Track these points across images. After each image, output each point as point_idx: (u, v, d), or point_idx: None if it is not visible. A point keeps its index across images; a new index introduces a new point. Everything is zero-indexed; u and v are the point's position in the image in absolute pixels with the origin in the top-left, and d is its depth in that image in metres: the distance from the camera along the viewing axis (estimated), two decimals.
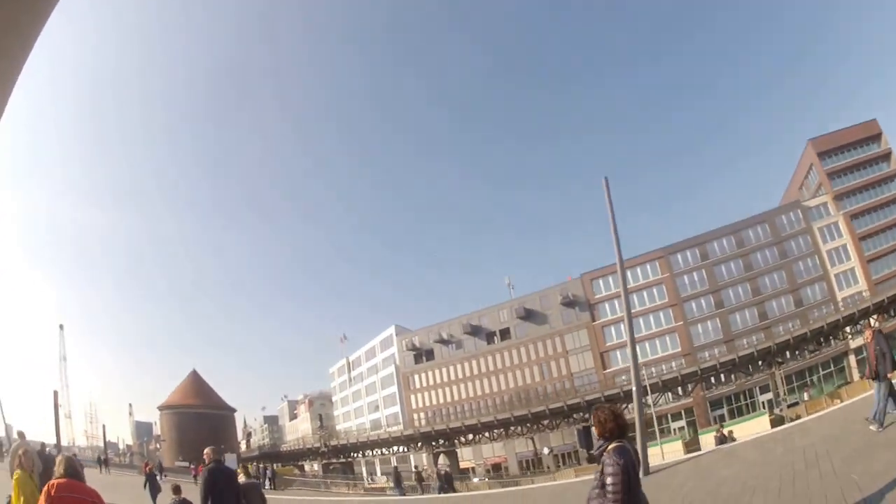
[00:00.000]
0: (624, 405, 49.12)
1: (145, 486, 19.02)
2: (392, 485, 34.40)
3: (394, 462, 76.54)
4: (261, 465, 39.63)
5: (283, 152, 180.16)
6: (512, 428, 54.64)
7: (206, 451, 7.34)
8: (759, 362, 45.78)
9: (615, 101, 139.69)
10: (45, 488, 4.70)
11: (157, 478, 20.38)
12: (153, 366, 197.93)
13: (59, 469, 4.86)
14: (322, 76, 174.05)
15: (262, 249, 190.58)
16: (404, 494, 25.37)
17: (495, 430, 55.71)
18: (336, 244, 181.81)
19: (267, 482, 35.35)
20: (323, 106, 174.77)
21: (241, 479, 8.22)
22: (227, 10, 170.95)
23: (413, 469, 46.35)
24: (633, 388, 13.96)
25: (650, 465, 11.92)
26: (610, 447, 3.71)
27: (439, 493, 24.17)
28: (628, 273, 63.06)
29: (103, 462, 44.76)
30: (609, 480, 3.55)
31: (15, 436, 14.48)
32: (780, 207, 63.24)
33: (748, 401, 54.17)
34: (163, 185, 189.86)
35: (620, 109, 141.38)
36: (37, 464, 8.85)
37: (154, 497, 17.67)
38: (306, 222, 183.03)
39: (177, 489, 10.59)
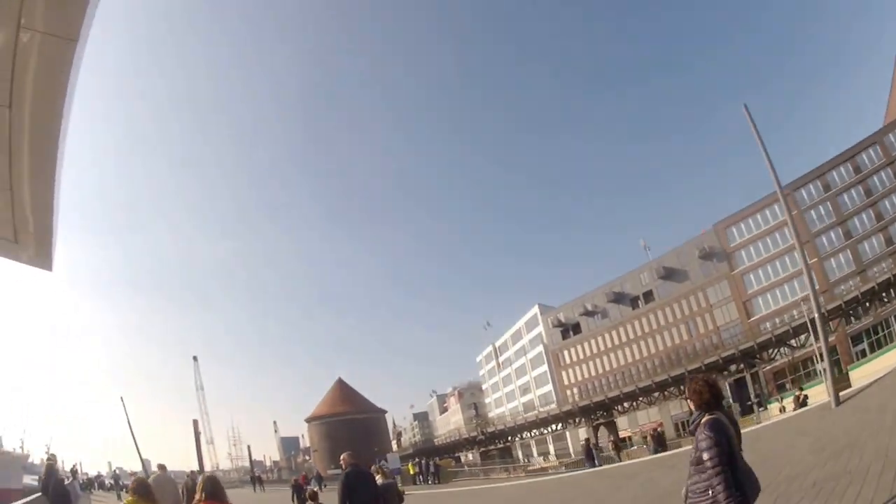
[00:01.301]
0: (774, 350, 49.57)
1: (293, 498, 20.04)
2: (583, 458, 37.35)
3: (550, 442, 79.77)
4: (422, 461, 41.64)
5: (399, 151, 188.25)
6: (669, 390, 55.67)
7: (342, 456, 7.71)
8: None
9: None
10: None
11: (309, 486, 21.92)
12: (294, 382, 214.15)
13: (199, 492, 5.08)
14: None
15: (388, 253, 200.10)
16: (600, 465, 26.66)
17: (652, 395, 57.60)
18: (464, 233, 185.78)
19: (430, 477, 37.63)
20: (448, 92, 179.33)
21: (379, 480, 8.42)
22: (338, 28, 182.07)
23: (584, 441, 49.18)
24: (816, 316, 15.23)
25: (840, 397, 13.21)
26: (703, 420, 3.64)
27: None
28: (757, 216, 61.82)
29: (257, 480, 48.60)
30: (706, 455, 3.46)
31: (154, 469, 14.85)
32: (887, 126, 59.16)
33: (886, 331, 51.90)
34: (278, 211, 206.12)
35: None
36: (168, 492, 10.24)
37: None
38: (432, 217, 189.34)
39: (313, 496, 11.28)
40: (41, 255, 4.31)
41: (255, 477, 51.90)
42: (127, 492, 5.97)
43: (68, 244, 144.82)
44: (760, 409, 40.43)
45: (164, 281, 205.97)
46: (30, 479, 56.37)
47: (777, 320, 53.64)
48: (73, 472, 30.50)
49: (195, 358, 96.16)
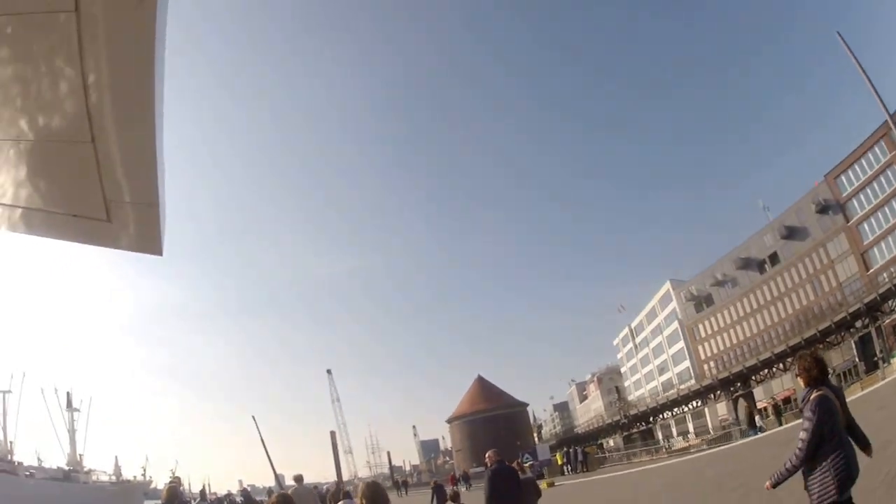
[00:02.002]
0: (894, 301, 47.23)
1: (432, 500, 19.71)
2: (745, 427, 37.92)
3: (689, 420, 77.04)
4: (569, 450, 42.12)
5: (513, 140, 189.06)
6: (802, 352, 54.77)
7: (488, 454, 7.83)
8: None
9: None
10: None
11: (453, 487, 23.15)
12: (431, 384, 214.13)
13: (359, 498, 4.70)
14: None
15: (513, 243, 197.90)
16: (763, 431, 26.37)
17: (787, 360, 57.56)
18: (584, 216, 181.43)
19: (578, 465, 38.02)
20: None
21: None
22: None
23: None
24: None
25: None
26: (812, 396, 3.67)
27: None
28: (868, 156, 57.93)
29: (402, 485, 49.81)
30: (801, 436, 3.54)
31: (291, 482, 14.73)
32: None
33: None
34: (388, 220, 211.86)
35: None
36: (308, 502, 10.47)
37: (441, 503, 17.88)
38: (554, 201, 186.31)
39: (455, 496, 11.38)
40: (145, 235, 2.84)
41: (402, 481, 54.31)
42: None
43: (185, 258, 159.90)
44: (885, 366, 39.53)
45: (289, 299, 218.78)
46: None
47: (893, 269, 51.06)
48: (202, 493, 30.11)
49: (329, 371, 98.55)
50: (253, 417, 40.03)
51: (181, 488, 12.10)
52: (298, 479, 12.62)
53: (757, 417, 48.97)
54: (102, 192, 2.60)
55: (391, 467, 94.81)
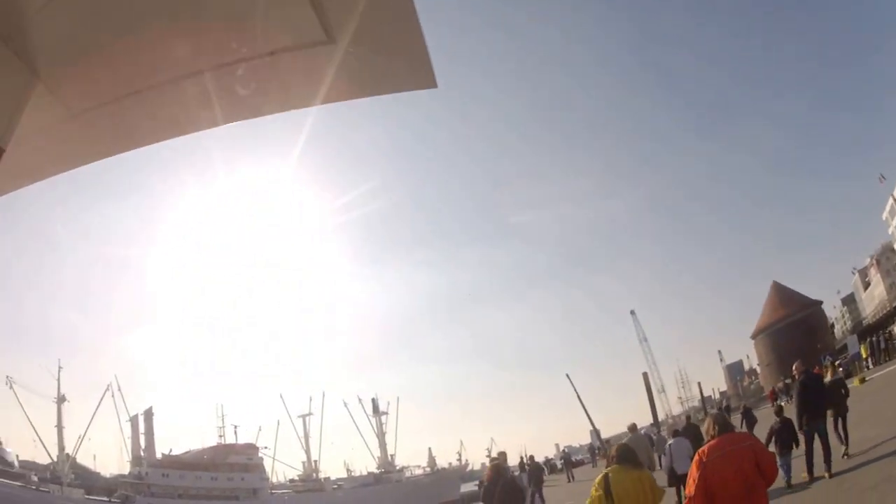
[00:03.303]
0: None
1: (741, 423, 18.47)
2: None
3: None
4: (872, 339, 39.55)
5: None
6: None
7: (795, 365, 8.02)
8: None
9: None
10: (697, 456, 4.80)
11: (773, 402, 21.29)
12: (729, 302, 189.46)
13: (708, 432, 4.81)
14: None
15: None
16: None
17: None
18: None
19: (881, 354, 35.98)
20: None
21: (827, 378, 8.47)
22: None
23: None
24: None
25: None
26: None
27: None
28: None
29: (745, 411, 46.80)
30: None
31: (624, 431, 14.85)
32: None
33: None
34: None
35: None
36: (643, 450, 10.45)
37: (751, 428, 16.91)
38: None
39: (779, 411, 10.95)
40: (414, 64, 2.29)
41: (725, 406, 51.56)
42: (610, 460, 5.38)
43: None
44: None
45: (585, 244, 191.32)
46: (468, 487, 60.44)
47: None
48: (521, 464, 26.95)
49: (633, 312, 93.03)
50: (567, 375, 43.35)
51: (504, 465, 11.57)
52: (632, 427, 13.44)
53: None
54: None
55: (702, 398, 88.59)
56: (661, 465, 13.44)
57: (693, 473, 4.68)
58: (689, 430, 11.92)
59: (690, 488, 4.69)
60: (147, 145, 2.78)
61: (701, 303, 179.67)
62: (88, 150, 2.71)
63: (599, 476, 5.15)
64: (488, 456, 67.46)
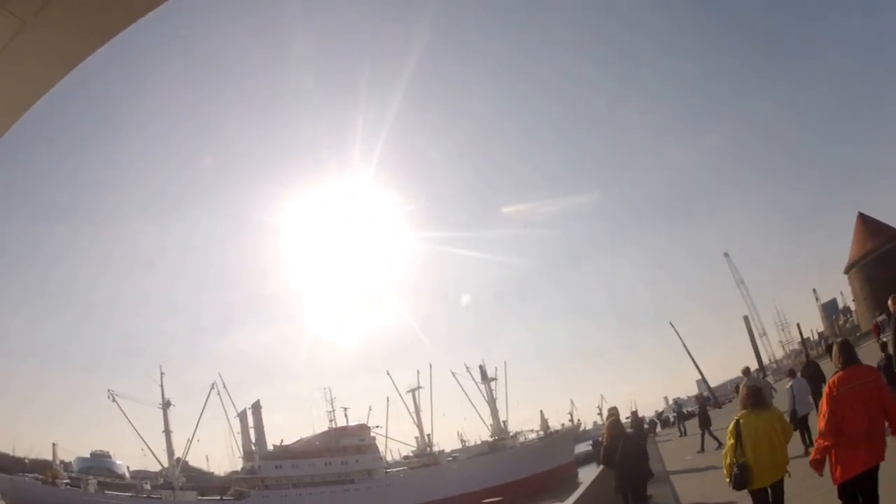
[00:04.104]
0: None
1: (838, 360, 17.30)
2: None
3: None
4: None
5: None
6: None
7: (889, 301, 7.40)
8: None
9: None
10: (826, 389, 4.67)
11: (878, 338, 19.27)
12: (812, 240, 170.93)
13: (835, 362, 4.69)
14: None
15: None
16: None
17: None
18: None
19: None
20: None
21: None
22: None
23: None
24: None
25: None
26: None
27: None
28: None
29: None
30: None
31: (740, 375, 14.52)
32: None
33: None
34: None
35: None
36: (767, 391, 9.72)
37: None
38: None
39: (883, 346, 10.53)
40: None
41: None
42: (743, 403, 5.35)
43: None
44: None
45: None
46: (582, 448, 59.31)
47: None
48: (633, 420, 25.24)
49: (726, 254, 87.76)
50: (671, 324, 40.55)
51: (620, 420, 11.15)
52: (746, 371, 13.22)
53: None
54: None
55: (803, 341, 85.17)
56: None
57: (823, 408, 4.57)
58: (808, 368, 11.52)
59: (821, 423, 4.60)
60: (122, 29, 2.39)
61: (793, 240, 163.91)
62: (62, 54, 2.37)
63: (731, 423, 5.28)
64: (599, 414, 68.14)
